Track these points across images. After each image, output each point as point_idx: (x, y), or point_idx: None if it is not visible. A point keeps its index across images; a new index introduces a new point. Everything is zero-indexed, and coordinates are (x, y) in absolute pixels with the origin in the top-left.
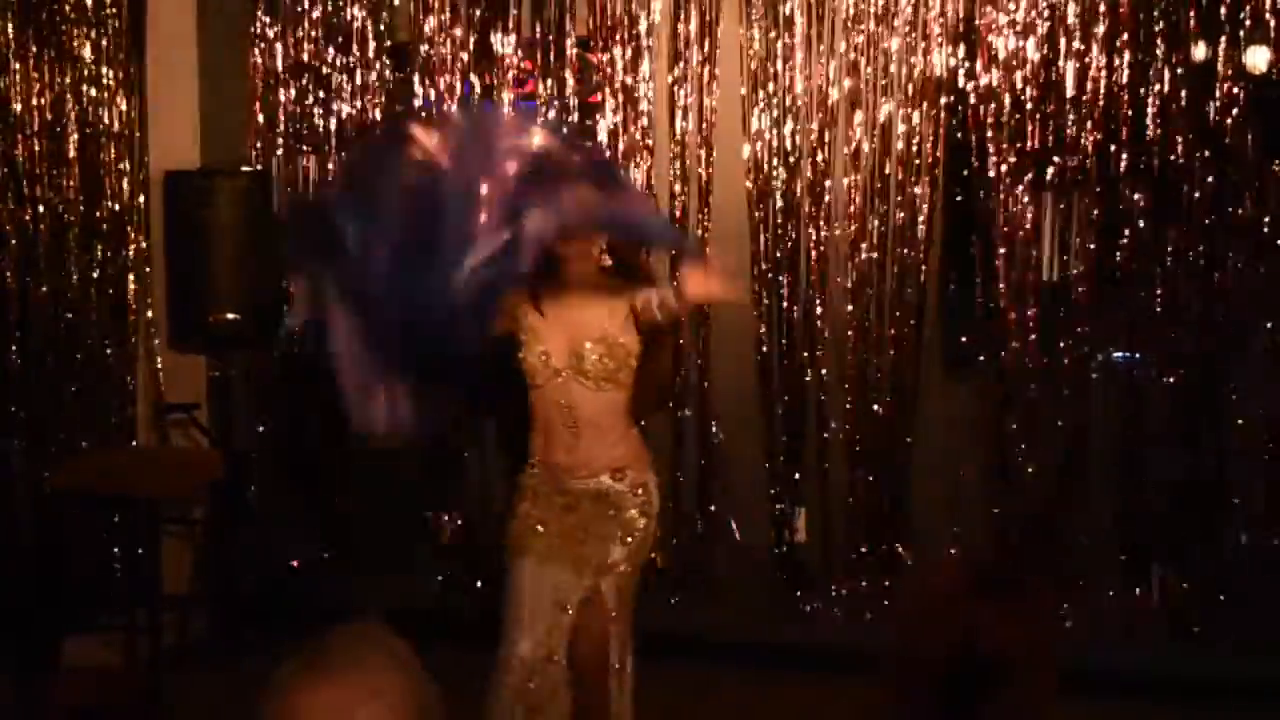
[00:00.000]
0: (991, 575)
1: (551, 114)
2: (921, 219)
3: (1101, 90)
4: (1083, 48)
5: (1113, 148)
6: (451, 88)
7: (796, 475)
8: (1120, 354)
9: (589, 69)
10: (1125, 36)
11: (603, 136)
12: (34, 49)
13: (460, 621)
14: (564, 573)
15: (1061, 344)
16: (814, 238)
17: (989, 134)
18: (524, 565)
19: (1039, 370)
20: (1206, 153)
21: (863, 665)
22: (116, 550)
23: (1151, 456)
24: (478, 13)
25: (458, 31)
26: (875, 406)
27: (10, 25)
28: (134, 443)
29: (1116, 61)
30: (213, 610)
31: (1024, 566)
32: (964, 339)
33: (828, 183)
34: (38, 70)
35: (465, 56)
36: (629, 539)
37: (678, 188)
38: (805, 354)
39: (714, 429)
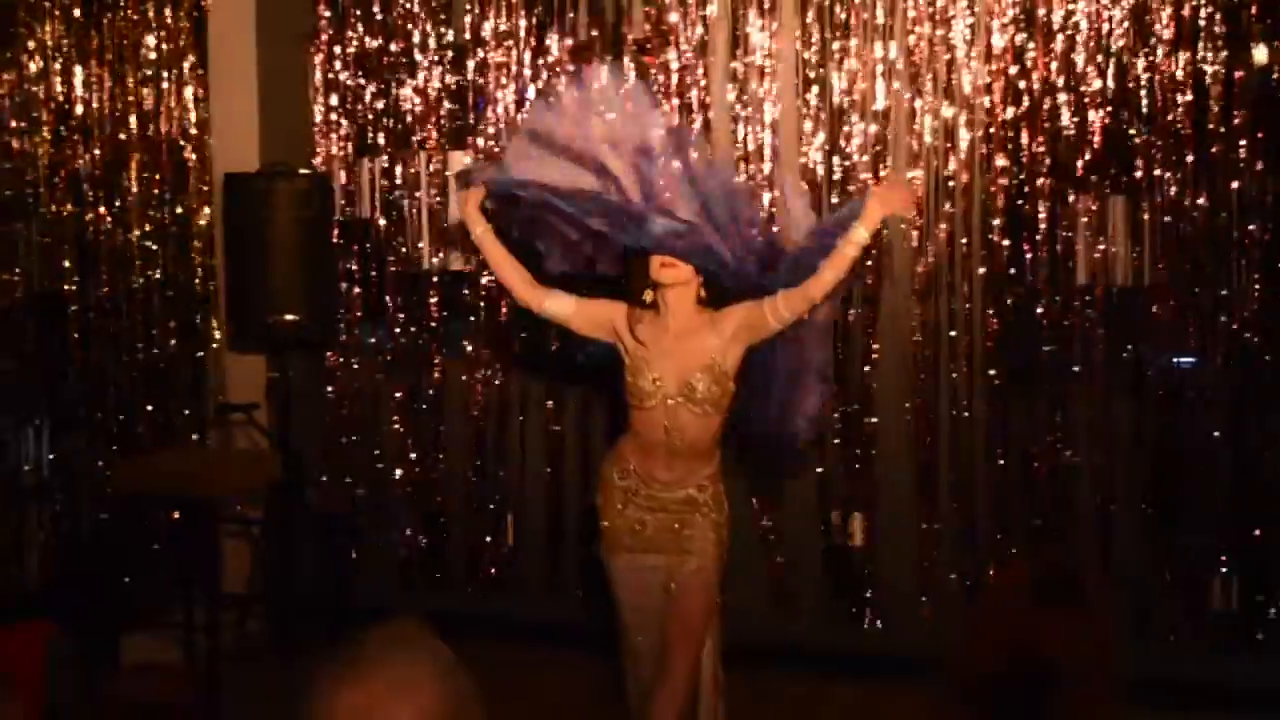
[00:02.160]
0: (1050, 581)
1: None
2: (981, 225)
3: (1161, 91)
4: (1146, 49)
5: (1170, 152)
6: (507, 90)
7: (852, 480)
8: (1182, 358)
9: (645, 71)
10: (1185, 38)
11: None
12: (96, 53)
13: (507, 622)
14: (666, 558)
15: (1125, 348)
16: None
17: (1051, 137)
18: (629, 560)
19: (1100, 374)
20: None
21: (920, 671)
22: (176, 549)
23: (1209, 460)
24: (534, 17)
25: (515, 34)
26: (933, 411)
27: (73, 30)
28: (197, 442)
29: (1177, 64)
30: (270, 609)
31: (1082, 572)
32: (1025, 343)
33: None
34: (100, 74)
35: (523, 58)
36: (712, 533)
37: None
38: (862, 357)
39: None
